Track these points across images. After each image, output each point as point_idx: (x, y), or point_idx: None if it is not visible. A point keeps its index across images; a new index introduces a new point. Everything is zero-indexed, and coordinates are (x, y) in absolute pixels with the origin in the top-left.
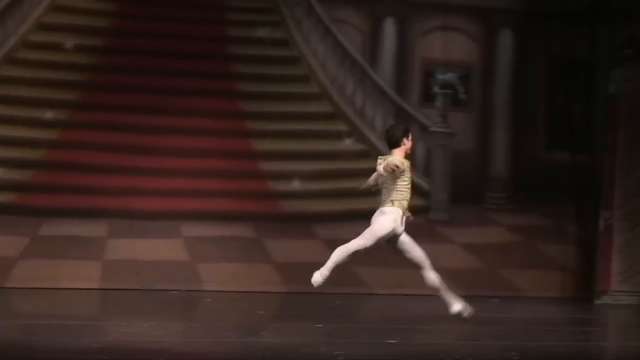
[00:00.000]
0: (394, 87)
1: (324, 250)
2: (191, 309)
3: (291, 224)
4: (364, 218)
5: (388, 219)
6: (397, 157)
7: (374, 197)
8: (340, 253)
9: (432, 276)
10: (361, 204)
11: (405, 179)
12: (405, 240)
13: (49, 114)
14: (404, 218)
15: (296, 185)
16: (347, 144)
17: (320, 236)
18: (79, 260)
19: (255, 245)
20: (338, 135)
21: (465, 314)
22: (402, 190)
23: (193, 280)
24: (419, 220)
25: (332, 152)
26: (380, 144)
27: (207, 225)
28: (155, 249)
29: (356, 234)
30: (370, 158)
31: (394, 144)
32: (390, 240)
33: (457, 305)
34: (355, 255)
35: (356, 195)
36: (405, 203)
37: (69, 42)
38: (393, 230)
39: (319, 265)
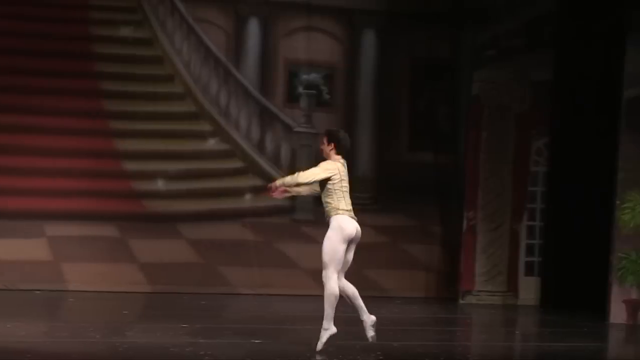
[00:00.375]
0: (258, 87)
1: (189, 251)
2: (55, 309)
3: (155, 224)
4: (229, 218)
5: None
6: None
7: (239, 197)
8: None
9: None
10: (225, 204)
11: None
12: None
13: None
14: None
15: (160, 185)
16: (212, 143)
17: (185, 236)
18: None
19: (119, 245)
20: (202, 135)
21: None
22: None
23: (57, 280)
24: (283, 220)
25: (196, 152)
26: (245, 144)
27: (71, 225)
28: (18, 249)
29: (220, 233)
30: (234, 158)
31: None
32: None
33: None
34: None
35: (220, 195)
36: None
37: None
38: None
39: (184, 265)
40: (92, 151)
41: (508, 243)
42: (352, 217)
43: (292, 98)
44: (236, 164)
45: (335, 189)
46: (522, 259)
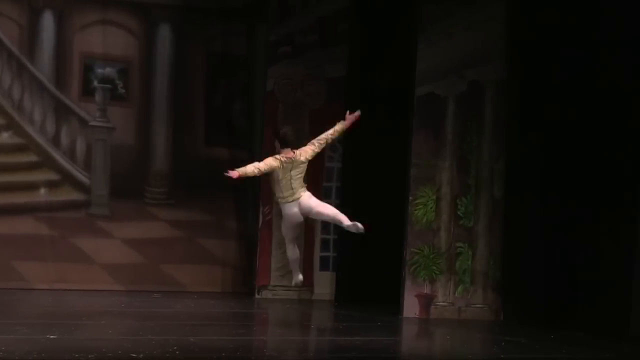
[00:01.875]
0: (53, 81)
1: None
2: None
3: None
4: (22, 212)
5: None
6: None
7: (33, 191)
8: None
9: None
10: (19, 198)
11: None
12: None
13: None
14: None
15: None
16: (4, 137)
17: None
18: None
19: None
20: None
21: None
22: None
23: None
24: (79, 215)
25: None
26: (40, 138)
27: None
28: None
29: (14, 228)
30: (28, 152)
31: None
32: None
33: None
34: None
35: (14, 189)
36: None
37: None
38: None
39: None
40: None
41: (303, 238)
42: (288, 202)
43: (87, 92)
44: (30, 157)
45: (275, 181)
46: (317, 253)
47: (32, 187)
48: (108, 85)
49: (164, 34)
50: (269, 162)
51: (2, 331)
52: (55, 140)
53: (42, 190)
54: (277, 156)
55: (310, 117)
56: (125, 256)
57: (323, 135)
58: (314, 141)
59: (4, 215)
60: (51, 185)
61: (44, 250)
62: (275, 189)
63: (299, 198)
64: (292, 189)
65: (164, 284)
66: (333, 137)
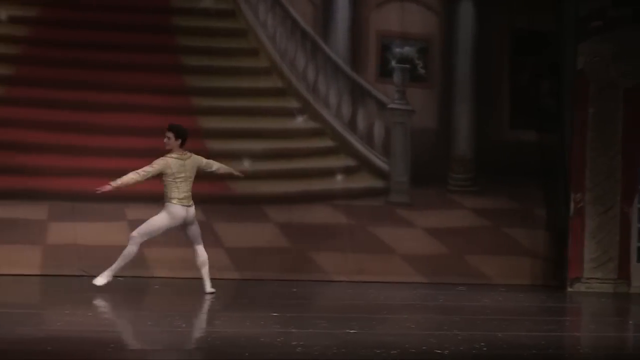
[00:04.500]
0: (348, 62)
1: (277, 234)
2: (139, 296)
3: (241, 207)
4: (319, 200)
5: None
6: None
7: (330, 178)
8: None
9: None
10: (315, 185)
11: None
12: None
13: None
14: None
15: (246, 165)
16: (299, 121)
17: (273, 219)
18: (19, 245)
19: (204, 229)
20: (289, 113)
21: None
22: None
23: (140, 266)
24: (378, 203)
25: (283, 131)
26: (335, 122)
27: (152, 208)
28: (99, 233)
29: (310, 216)
30: (324, 136)
31: None
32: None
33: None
34: None
35: (309, 176)
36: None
37: (3, 12)
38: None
39: (273, 250)
40: None
41: (619, 227)
42: (183, 205)
43: (384, 73)
44: (326, 143)
45: (168, 181)
46: (635, 244)
47: (328, 173)
48: (407, 66)
49: (466, 10)
50: (160, 163)
51: (301, 325)
52: (352, 124)
53: (339, 177)
54: (172, 156)
55: (624, 98)
56: (427, 246)
57: (212, 162)
58: (206, 160)
59: (301, 204)
60: (348, 171)
61: (342, 241)
62: (165, 189)
63: (191, 206)
64: (187, 189)
65: (469, 275)
66: (211, 170)
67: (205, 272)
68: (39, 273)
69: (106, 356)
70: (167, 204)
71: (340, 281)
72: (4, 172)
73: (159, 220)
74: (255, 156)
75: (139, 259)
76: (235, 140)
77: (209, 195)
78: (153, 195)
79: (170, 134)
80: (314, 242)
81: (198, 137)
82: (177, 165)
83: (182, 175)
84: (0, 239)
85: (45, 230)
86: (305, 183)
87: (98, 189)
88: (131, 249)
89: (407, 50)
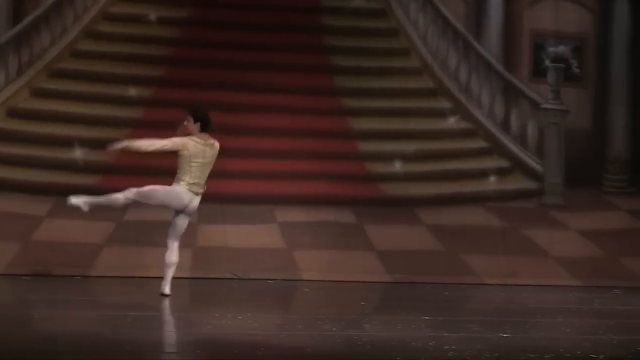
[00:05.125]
0: (501, 61)
1: (429, 237)
2: (288, 300)
3: (393, 209)
4: (471, 202)
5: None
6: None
7: (482, 179)
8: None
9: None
10: (467, 187)
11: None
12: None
13: (132, 91)
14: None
15: (397, 166)
16: (451, 122)
17: (425, 221)
18: None
19: (355, 231)
20: (441, 113)
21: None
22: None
23: (289, 268)
24: (531, 204)
25: (434, 132)
26: (488, 123)
27: (302, 210)
28: (248, 236)
29: (462, 218)
30: (476, 137)
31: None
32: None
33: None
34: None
35: (461, 177)
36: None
37: (152, 14)
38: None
39: (424, 252)
40: (324, 131)
41: None
42: (190, 191)
43: (538, 72)
44: (479, 143)
45: (182, 163)
46: None
47: (481, 175)
48: (561, 65)
49: (621, 8)
50: (179, 142)
51: (452, 329)
52: (505, 125)
53: (492, 179)
54: (196, 140)
55: None
56: (582, 249)
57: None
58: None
59: (453, 205)
60: (501, 172)
61: (495, 243)
62: (178, 170)
63: (198, 195)
64: (201, 176)
65: (625, 278)
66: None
67: (171, 273)
68: (188, 276)
69: None
70: (174, 184)
71: (493, 284)
72: (155, 174)
73: (162, 194)
74: (406, 157)
75: (288, 261)
76: (386, 141)
77: (360, 196)
78: (304, 198)
79: (188, 117)
80: (466, 245)
81: (349, 138)
82: (195, 149)
83: (199, 160)
84: (151, 242)
85: (194, 233)
86: (457, 184)
87: (109, 147)
88: (119, 199)
89: (562, 49)
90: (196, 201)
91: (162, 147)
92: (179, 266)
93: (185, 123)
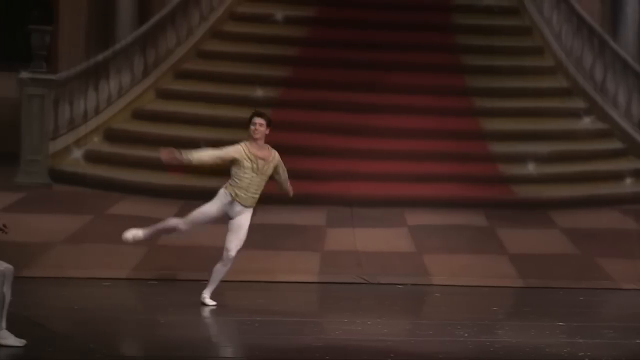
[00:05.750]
0: (638, 59)
1: (564, 240)
2: (418, 305)
3: (525, 211)
4: (607, 204)
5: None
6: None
7: (618, 181)
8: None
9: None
10: (602, 189)
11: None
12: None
13: (258, 92)
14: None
15: (530, 168)
16: (586, 122)
17: (558, 224)
18: (296, 252)
19: (486, 235)
20: (575, 114)
21: None
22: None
23: (420, 273)
24: None
25: (569, 132)
26: (625, 123)
27: (432, 213)
28: (378, 239)
29: (597, 221)
30: (612, 138)
31: None
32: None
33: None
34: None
35: (597, 179)
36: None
37: (279, 13)
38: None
39: (558, 256)
40: (455, 132)
41: None
42: (232, 194)
43: None
44: (615, 144)
45: (235, 169)
46: None
47: (617, 176)
48: None
49: None
50: (235, 150)
51: (588, 334)
52: None
53: (628, 180)
54: (256, 147)
55: None
56: None
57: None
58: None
59: (588, 208)
60: (638, 174)
61: (631, 246)
62: (232, 178)
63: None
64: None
65: None
66: (278, 175)
67: (160, 226)
68: (316, 280)
69: None
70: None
71: (629, 289)
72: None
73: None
74: (540, 159)
75: (418, 265)
76: (518, 142)
77: (492, 199)
78: (434, 201)
79: (262, 121)
80: (601, 248)
81: (480, 139)
82: (245, 158)
83: (248, 169)
84: (279, 246)
85: (323, 236)
86: (592, 186)
87: (164, 157)
88: (176, 225)
89: None
90: (238, 207)
91: (222, 158)
92: (307, 270)
93: (257, 127)
